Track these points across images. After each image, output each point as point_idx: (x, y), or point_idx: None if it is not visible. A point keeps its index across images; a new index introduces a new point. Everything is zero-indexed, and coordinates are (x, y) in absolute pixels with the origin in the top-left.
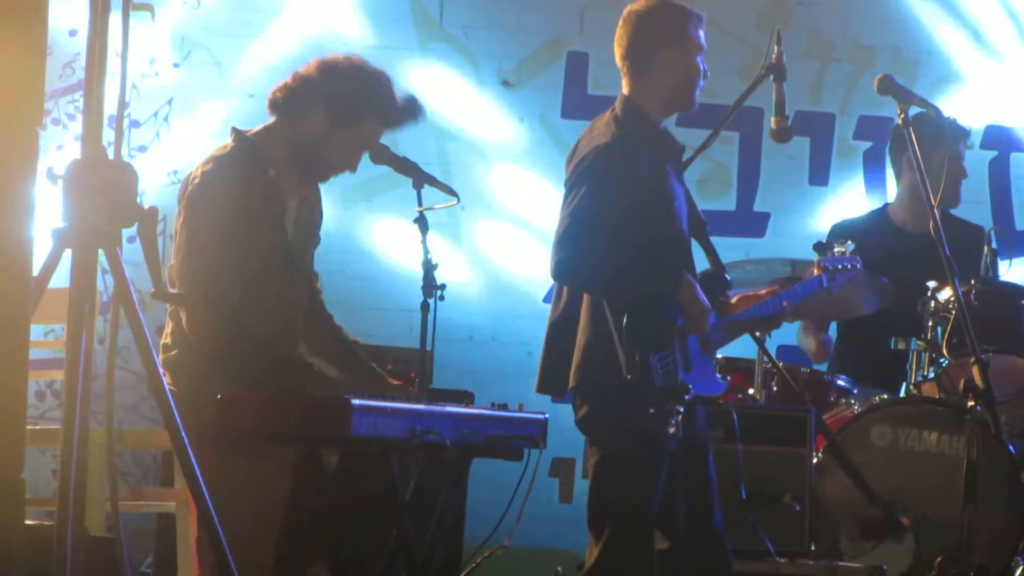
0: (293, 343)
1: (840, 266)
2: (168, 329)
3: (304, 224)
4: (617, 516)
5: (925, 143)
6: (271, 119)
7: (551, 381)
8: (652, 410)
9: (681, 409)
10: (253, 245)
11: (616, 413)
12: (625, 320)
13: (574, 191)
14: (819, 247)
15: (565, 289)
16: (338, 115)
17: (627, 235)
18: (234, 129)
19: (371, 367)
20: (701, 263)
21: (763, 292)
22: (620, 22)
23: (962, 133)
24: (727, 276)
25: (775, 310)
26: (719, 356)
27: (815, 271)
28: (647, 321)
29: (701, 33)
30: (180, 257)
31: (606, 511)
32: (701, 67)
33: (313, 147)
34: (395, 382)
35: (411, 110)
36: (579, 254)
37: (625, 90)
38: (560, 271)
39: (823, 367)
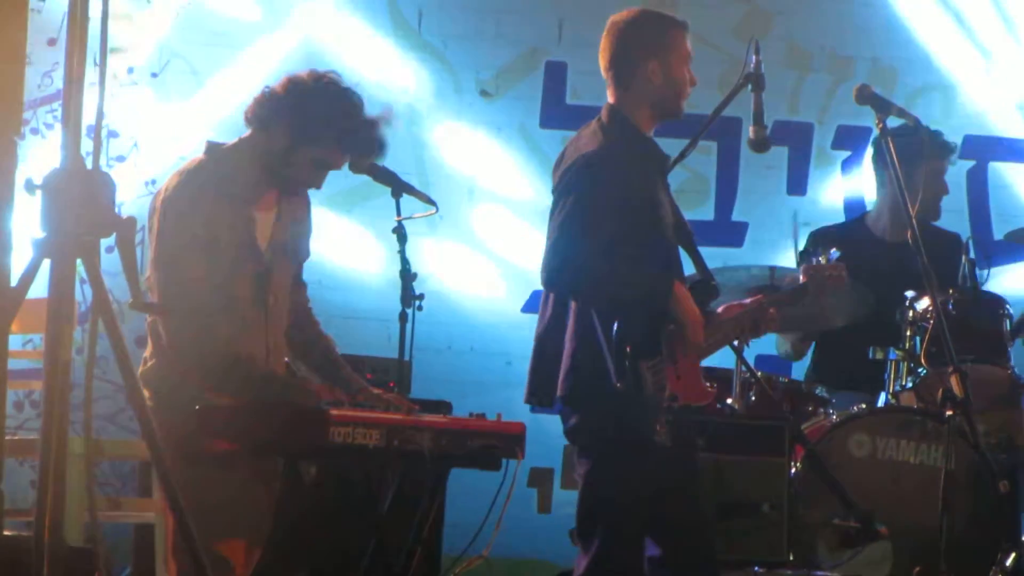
0: (272, 359)
1: (827, 274)
2: (148, 343)
3: (282, 237)
4: (606, 525)
5: (908, 156)
6: (247, 131)
7: (540, 392)
8: (640, 417)
9: (671, 418)
10: (220, 258)
11: (606, 422)
12: (615, 328)
13: (563, 199)
14: (803, 255)
15: (551, 299)
16: (299, 134)
17: (618, 243)
18: (208, 142)
19: (353, 380)
20: (688, 272)
21: (748, 301)
22: (604, 32)
23: (947, 149)
24: (715, 284)
25: (761, 316)
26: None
27: (801, 278)
28: (637, 329)
29: (684, 42)
30: (151, 271)
31: (596, 520)
32: (687, 75)
33: (277, 161)
34: (376, 391)
35: (373, 147)
36: (571, 262)
37: (611, 99)
38: (552, 279)
39: (800, 377)
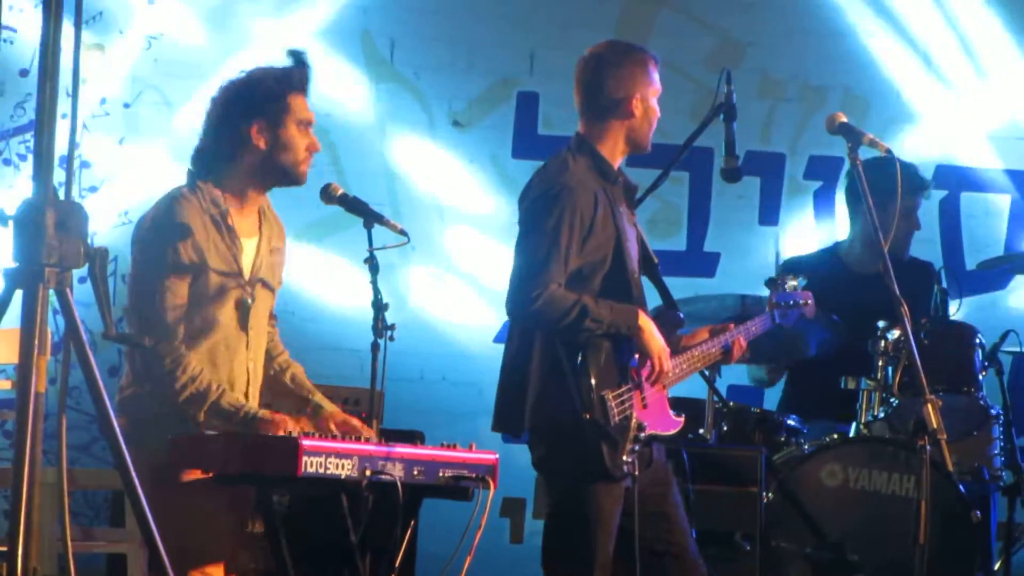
0: (252, 386)
1: (792, 302)
2: (124, 371)
3: (263, 264)
4: (573, 556)
5: (882, 191)
6: (224, 168)
7: (506, 420)
8: (605, 447)
9: (637, 447)
10: (206, 285)
11: (573, 452)
12: (580, 358)
13: (527, 230)
14: (771, 283)
15: (518, 328)
16: (273, 120)
17: (582, 274)
18: (190, 171)
19: (325, 403)
20: (653, 302)
21: (716, 327)
22: (579, 63)
23: (921, 185)
24: (680, 314)
25: (728, 346)
26: (668, 396)
27: (767, 307)
28: (602, 359)
29: (656, 75)
30: (129, 299)
31: (562, 551)
32: (656, 109)
33: (278, 156)
34: (346, 416)
35: (298, 62)
36: (533, 293)
37: (581, 129)
38: (517, 311)
39: (772, 407)
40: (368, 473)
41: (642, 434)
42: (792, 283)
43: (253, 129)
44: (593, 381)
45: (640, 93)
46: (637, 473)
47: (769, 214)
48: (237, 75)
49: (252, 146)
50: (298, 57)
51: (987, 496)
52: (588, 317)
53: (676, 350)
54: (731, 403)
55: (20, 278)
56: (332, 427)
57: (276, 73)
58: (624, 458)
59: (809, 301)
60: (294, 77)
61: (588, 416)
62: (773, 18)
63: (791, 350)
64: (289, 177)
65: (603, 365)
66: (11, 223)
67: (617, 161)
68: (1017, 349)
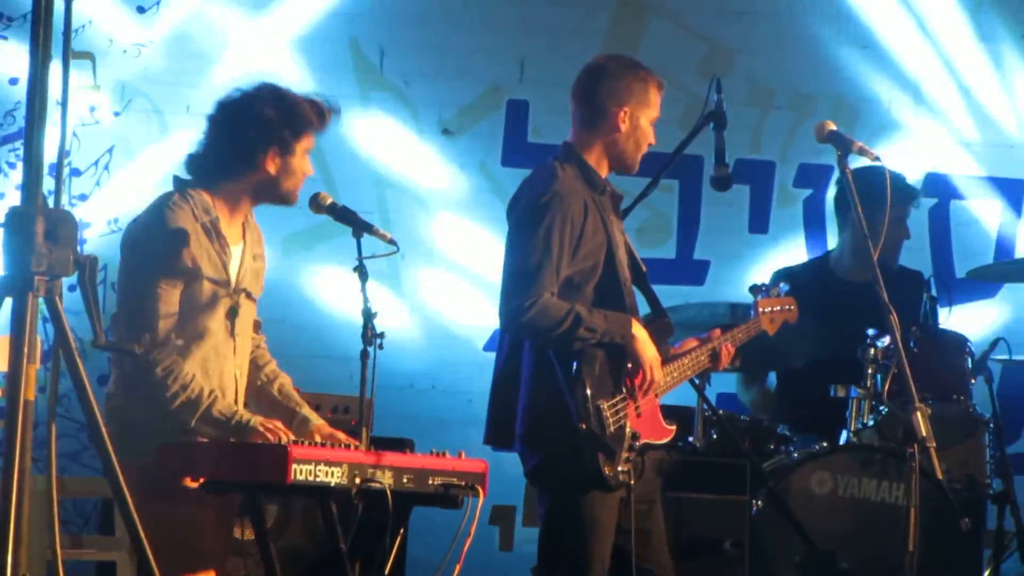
0: (240, 393)
1: (776, 308)
2: (112, 378)
3: (248, 271)
4: (568, 565)
5: (871, 200)
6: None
7: (499, 432)
8: (602, 456)
9: (632, 457)
10: (198, 292)
11: (568, 463)
12: (575, 368)
13: (514, 240)
14: (755, 289)
15: (508, 337)
16: (285, 149)
17: (573, 283)
18: (176, 178)
19: (312, 417)
20: (642, 311)
21: (703, 336)
22: (585, 69)
23: (910, 195)
24: (670, 321)
25: (716, 353)
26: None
27: (752, 314)
28: (596, 368)
29: (656, 99)
30: (118, 304)
31: (557, 561)
32: (651, 133)
33: (279, 183)
34: (332, 431)
35: (325, 110)
36: (526, 303)
37: (571, 138)
38: (508, 320)
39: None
40: (358, 481)
41: (636, 443)
42: (775, 289)
43: (268, 155)
44: (588, 391)
45: (631, 108)
46: (633, 483)
47: (759, 222)
48: (257, 91)
49: (261, 170)
50: (328, 106)
51: (977, 504)
52: (582, 326)
53: (665, 359)
54: (720, 411)
55: (9, 286)
56: (318, 440)
57: (302, 108)
58: (620, 467)
59: (792, 307)
60: (316, 119)
61: (584, 426)
62: (763, 26)
63: (779, 358)
64: (286, 201)
65: (597, 375)
66: (0, 231)
67: (603, 174)
68: (1006, 357)
